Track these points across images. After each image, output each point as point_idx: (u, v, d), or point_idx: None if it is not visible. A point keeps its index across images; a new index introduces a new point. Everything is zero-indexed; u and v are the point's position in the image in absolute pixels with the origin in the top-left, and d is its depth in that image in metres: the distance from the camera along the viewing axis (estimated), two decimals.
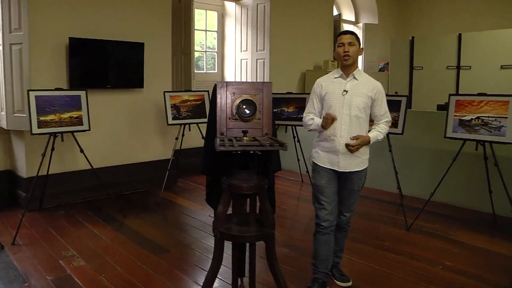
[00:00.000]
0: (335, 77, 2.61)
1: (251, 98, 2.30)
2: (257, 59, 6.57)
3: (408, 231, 3.80)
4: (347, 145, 2.48)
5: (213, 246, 3.48)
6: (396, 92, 6.75)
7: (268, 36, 6.40)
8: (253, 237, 2.28)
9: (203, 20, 6.53)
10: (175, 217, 4.20)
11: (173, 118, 4.74)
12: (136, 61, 4.77)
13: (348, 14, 9.12)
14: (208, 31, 6.65)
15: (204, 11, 6.45)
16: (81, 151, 3.94)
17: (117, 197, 4.65)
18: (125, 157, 4.96)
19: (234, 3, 6.60)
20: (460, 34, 6.54)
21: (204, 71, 6.61)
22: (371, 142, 2.55)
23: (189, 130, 4.92)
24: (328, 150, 2.55)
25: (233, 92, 2.36)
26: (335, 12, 8.60)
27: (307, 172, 4.84)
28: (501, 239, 3.63)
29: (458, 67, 6.57)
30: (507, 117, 3.46)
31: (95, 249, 3.34)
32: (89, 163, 4.04)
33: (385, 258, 3.23)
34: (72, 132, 3.91)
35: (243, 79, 6.66)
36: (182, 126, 4.81)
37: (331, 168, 2.56)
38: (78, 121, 3.94)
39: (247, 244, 2.60)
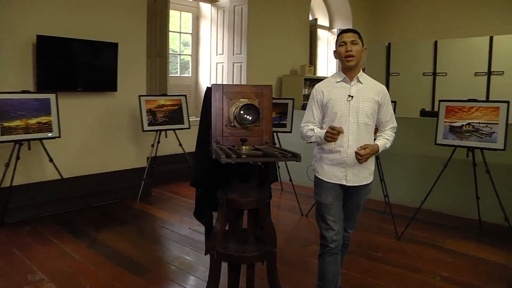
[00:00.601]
0: (337, 81, 2.34)
1: (253, 103, 2.08)
2: (233, 63, 6.34)
3: (399, 241, 3.69)
4: (356, 154, 2.24)
5: (195, 261, 3.28)
6: None
7: (245, 39, 6.19)
8: (255, 257, 2.06)
9: (177, 22, 6.24)
10: (152, 231, 3.89)
11: (149, 124, 4.44)
12: (109, 62, 4.43)
13: (322, 20, 9.07)
14: (182, 33, 6.36)
15: (178, 12, 6.16)
16: (50, 160, 3.57)
17: (89, 209, 4.29)
18: (97, 165, 4.60)
19: (209, 5, 6.35)
20: (436, 41, 6.59)
21: (178, 75, 6.31)
22: (379, 151, 2.32)
23: (166, 137, 4.63)
24: (334, 163, 2.28)
25: (230, 96, 2.13)
26: (311, 17, 8.52)
27: (290, 180, 4.66)
28: (491, 246, 3.59)
29: (434, 74, 6.60)
30: (498, 123, 3.41)
31: (66, 270, 2.98)
32: (59, 172, 3.67)
33: (381, 271, 3.09)
34: (40, 139, 3.54)
35: (219, 83, 6.40)
36: (158, 132, 4.51)
37: (338, 183, 2.30)
38: (47, 127, 3.58)
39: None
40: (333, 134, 2.20)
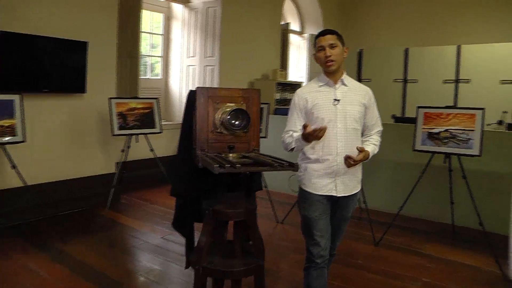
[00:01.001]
0: (320, 85, 2.20)
1: (243, 108, 1.96)
2: (205, 65, 6.19)
3: (377, 247, 3.67)
4: (349, 158, 2.07)
5: (170, 274, 3.10)
6: None
7: (218, 42, 6.06)
8: (243, 272, 1.93)
9: (148, 22, 6.01)
10: (123, 241, 3.68)
11: (120, 128, 4.22)
12: (78, 62, 4.18)
13: (293, 24, 9.06)
14: (153, 34, 6.15)
15: (149, 12, 5.95)
16: (13, 166, 3.30)
17: (55, 219, 4.01)
18: (64, 171, 4.32)
19: (182, 6, 6.17)
20: (407, 49, 6.70)
21: (147, 77, 6.09)
22: (369, 158, 2.17)
23: (137, 142, 4.42)
24: (322, 173, 2.12)
25: (216, 100, 2.00)
26: (283, 22, 8.48)
27: (265, 186, 4.55)
28: (465, 250, 3.64)
29: (405, 80, 6.71)
30: (474, 130, 3.46)
31: None
32: (22, 179, 3.40)
33: (363, 278, 3.04)
34: (3, 144, 3.26)
35: (190, 87, 6.24)
36: (129, 136, 4.30)
37: (327, 194, 2.15)
38: (10, 130, 3.31)
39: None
40: (316, 132, 1.95)
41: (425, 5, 8.03)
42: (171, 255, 3.34)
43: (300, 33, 9.18)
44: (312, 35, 8.83)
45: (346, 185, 2.16)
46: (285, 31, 8.41)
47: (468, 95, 6.24)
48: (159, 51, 6.26)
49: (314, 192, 2.15)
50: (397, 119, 5.17)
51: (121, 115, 4.25)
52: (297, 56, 9.15)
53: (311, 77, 8.71)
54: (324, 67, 2.17)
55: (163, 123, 5.01)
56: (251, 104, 2.04)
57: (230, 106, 2.00)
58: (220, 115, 1.97)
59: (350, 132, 2.14)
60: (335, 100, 2.14)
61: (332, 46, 2.14)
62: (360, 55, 7.20)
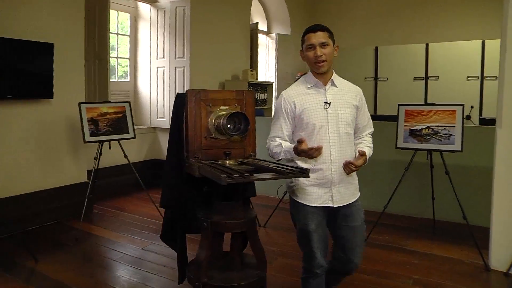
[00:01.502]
0: (309, 87, 2.03)
1: (242, 111, 1.84)
2: (175, 67, 5.99)
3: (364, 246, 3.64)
4: (350, 164, 1.94)
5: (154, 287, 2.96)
6: None
7: (188, 42, 5.87)
8: (246, 286, 1.80)
9: (115, 23, 5.75)
10: (100, 255, 3.45)
11: (91, 135, 3.97)
12: (44, 65, 3.87)
13: (260, 24, 8.98)
14: (120, 34, 5.89)
15: (116, 12, 5.69)
16: None
17: (24, 235, 3.72)
18: (32, 183, 4.01)
19: (149, 5, 5.94)
20: (376, 47, 6.77)
21: (116, 80, 5.83)
22: (366, 162, 2.02)
23: (110, 148, 4.19)
24: (315, 183, 1.96)
25: (209, 103, 1.87)
26: (255, 20, 8.40)
27: None
28: (447, 243, 3.69)
29: (376, 79, 6.79)
30: (455, 126, 3.49)
31: None
32: None
33: (355, 279, 2.98)
34: None
35: (160, 89, 6.03)
36: (101, 143, 4.06)
37: (323, 205, 1.99)
38: None
39: None
40: (310, 151, 1.80)
41: (393, 4, 8.16)
42: (154, 267, 3.16)
43: (268, 33, 9.12)
44: (280, 35, 8.79)
45: (343, 194, 2.02)
46: (254, 31, 8.32)
47: (437, 91, 6.39)
48: (123, 53, 6.00)
49: (308, 204, 1.99)
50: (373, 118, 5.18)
51: (92, 121, 4.01)
52: (265, 56, 9.08)
53: (280, 77, 8.66)
54: (314, 67, 2.01)
55: (136, 127, 4.79)
56: (245, 106, 1.92)
57: (224, 109, 1.88)
58: (214, 120, 1.85)
59: (343, 137, 1.99)
60: (326, 103, 1.98)
61: (323, 45, 1.97)
62: None
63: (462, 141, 3.45)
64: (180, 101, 1.96)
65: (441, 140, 3.53)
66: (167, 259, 3.28)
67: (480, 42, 6.16)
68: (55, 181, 4.21)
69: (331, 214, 2.04)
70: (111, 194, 5.05)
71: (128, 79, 6.06)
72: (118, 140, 4.18)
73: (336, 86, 2.04)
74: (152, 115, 6.06)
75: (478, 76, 6.19)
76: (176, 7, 5.85)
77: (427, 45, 6.46)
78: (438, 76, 6.40)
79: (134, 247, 3.56)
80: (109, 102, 4.33)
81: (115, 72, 5.85)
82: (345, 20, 8.91)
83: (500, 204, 3.21)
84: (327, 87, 2.02)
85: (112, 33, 5.62)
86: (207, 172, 1.54)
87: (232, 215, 1.78)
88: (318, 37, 1.97)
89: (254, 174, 1.50)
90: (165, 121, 5.95)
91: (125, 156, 4.15)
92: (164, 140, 6.08)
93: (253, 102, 1.96)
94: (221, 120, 1.76)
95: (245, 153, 1.91)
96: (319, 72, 2.00)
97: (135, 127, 5.26)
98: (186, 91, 1.88)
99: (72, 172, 4.38)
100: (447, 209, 4.13)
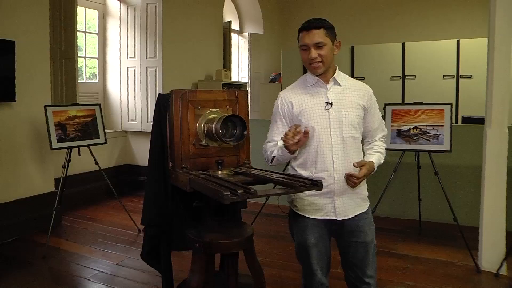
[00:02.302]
0: (308, 86, 1.85)
1: (229, 113, 1.63)
2: (147, 67, 5.70)
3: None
4: (350, 177, 1.73)
5: None
6: None
7: (160, 41, 5.59)
8: None
9: (82, 20, 5.39)
10: (70, 273, 3.13)
11: (59, 140, 3.64)
12: (5, 65, 3.51)
13: (233, 23, 8.76)
14: (88, 33, 5.54)
15: (83, 8, 5.33)
16: None
17: None
18: None
19: (118, 2, 5.62)
20: (353, 46, 6.69)
21: (84, 81, 5.47)
22: (374, 170, 1.83)
23: (79, 155, 3.86)
24: (317, 194, 1.74)
25: (197, 105, 1.65)
26: (226, 19, 8.16)
27: None
28: (435, 245, 3.62)
29: (353, 78, 6.71)
30: (443, 125, 3.41)
31: None
32: None
33: None
34: None
35: (131, 90, 5.71)
36: (69, 150, 3.74)
37: (325, 218, 1.79)
38: None
39: None
40: (291, 135, 1.60)
41: (368, 3, 8.12)
42: (132, 285, 2.89)
43: (240, 32, 8.91)
44: (253, 34, 8.60)
45: (348, 205, 1.80)
46: (227, 29, 8.10)
47: (414, 90, 6.35)
48: (91, 52, 5.65)
49: (308, 216, 1.80)
50: None
51: (60, 126, 3.67)
52: (238, 56, 8.86)
53: (253, 77, 8.47)
54: (310, 69, 1.83)
55: (107, 131, 4.47)
56: (238, 108, 1.71)
57: (215, 112, 1.66)
58: (203, 124, 1.63)
59: (348, 142, 1.78)
60: (327, 103, 1.78)
61: (318, 46, 1.75)
62: None
63: (451, 141, 3.37)
64: (163, 103, 1.72)
65: (429, 140, 3.43)
66: (146, 275, 3.01)
67: (455, 41, 6.17)
68: (18, 192, 3.83)
69: (336, 228, 1.84)
70: (81, 203, 4.71)
71: (96, 80, 5.71)
72: (88, 146, 3.87)
73: (340, 85, 1.84)
74: (123, 118, 5.74)
75: (454, 75, 6.19)
76: (147, 4, 5.56)
77: (403, 44, 6.42)
78: (415, 75, 6.37)
79: (109, 263, 3.27)
80: (78, 104, 4.00)
81: (83, 73, 5.50)
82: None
83: (490, 204, 3.14)
84: (329, 85, 1.83)
85: (79, 31, 5.27)
86: (203, 188, 1.31)
87: (227, 233, 1.56)
88: (312, 37, 1.75)
89: (262, 189, 1.29)
90: (137, 124, 5.65)
91: (96, 163, 3.85)
92: (136, 144, 5.79)
93: (246, 103, 1.74)
94: (213, 125, 1.54)
95: (239, 161, 1.70)
96: (315, 73, 1.81)
97: (106, 130, 4.95)
98: (171, 91, 1.66)
99: (38, 182, 4.02)
100: (432, 210, 4.07)
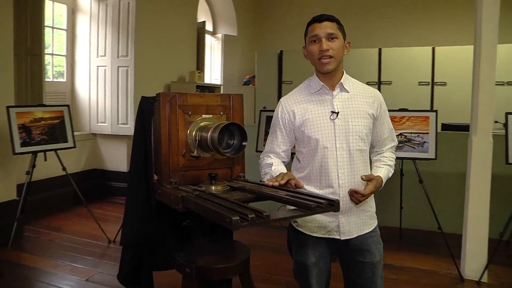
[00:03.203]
0: (312, 92, 1.67)
1: (223, 120, 1.46)
2: (118, 66, 5.42)
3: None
4: (355, 193, 1.57)
5: None
6: (264, 107, 6.47)
7: (133, 39, 5.32)
8: None
9: (50, 15, 5.05)
10: None
11: (23, 144, 3.33)
12: None
13: (206, 24, 8.55)
14: (56, 28, 5.20)
15: (51, 2, 4.99)
16: None
17: None
18: None
19: None
20: None
21: (51, 80, 5.13)
22: (383, 185, 1.68)
23: (45, 160, 3.57)
24: None
25: (188, 110, 1.47)
26: (200, 20, 7.94)
27: None
28: (417, 253, 3.58)
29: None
30: (428, 133, 3.36)
31: None
32: None
33: None
34: None
35: (101, 91, 5.41)
36: (35, 154, 3.44)
37: (328, 237, 1.65)
38: None
39: None
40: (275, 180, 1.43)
41: (344, 8, 8.11)
42: None
43: (213, 33, 8.71)
44: (226, 35, 8.42)
45: (353, 224, 1.66)
46: (201, 30, 7.88)
47: (390, 96, 6.34)
48: (59, 49, 5.32)
49: (309, 233, 1.66)
50: None
51: (24, 128, 3.36)
52: (210, 58, 8.64)
53: (226, 80, 8.29)
54: (318, 66, 1.63)
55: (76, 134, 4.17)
56: (233, 114, 1.55)
57: (207, 118, 1.49)
58: (195, 132, 1.45)
59: (355, 156, 1.62)
60: (333, 113, 1.62)
61: (330, 37, 1.60)
62: (280, 56, 7.00)
63: (436, 149, 3.33)
64: (147, 107, 1.53)
65: (414, 148, 3.37)
66: None
67: (430, 48, 6.23)
68: None
69: (339, 246, 1.69)
70: (46, 211, 4.38)
71: (64, 79, 5.37)
72: (55, 150, 3.58)
73: (347, 91, 1.67)
74: (92, 119, 5.43)
75: (429, 82, 6.26)
76: (119, 0, 5.29)
77: (379, 49, 6.43)
78: (391, 81, 6.39)
79: (77, 279, 3.00)
80: (44, 105, 3.69)
81: (51, 72, 5.16)
82: (293, 22, 8.74)
83: (474, 212, 3.12)
84: (335, 92, 1.66)
85: (46, 26, 4.93)
86: (203, 210, 1.13)
87: (221, 255, 1.39)
88: (325, 27, 1.61)
89: (275, 212, 1.12)
90: (107, 126, 5.36)
91: (64, 168, 3.57)
92: (105, 148, 5.49)
93: (241, 109, 1.57)
94: (209, 133, 1.37)
95: (233, 174, 1.53)
96: (325, 70, 1.62)
97: (77, 133, 4.66)
98: (158, 94, 1.47)
99: None
100: (413, 217, 4.04)
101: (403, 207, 3.84)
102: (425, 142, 3.35)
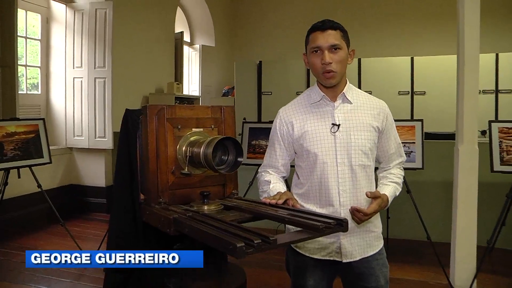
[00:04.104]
0: (312, 103, 1.57)
1: (215, 134, 1.37)
2: (95, 78, 5.26)
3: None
4: (357, 213, 1.45)
5: None
6: (244, 118, 6.39)
7: (110, 50, 5.18)
8: None
9: (23, 24, 4.86)
10: None
11: None
12: None
13: (184, 35, 8.45)
14: (29, 38, 5.01)
15: (24, 11, 4.80)
16: None
17: None
18: None
19: (64, 5, 5.15)
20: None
21: (24, 92, 4.93)
22: (388, 205, 1.56)
23: (19, 177, 3.38)
24: None
25: (177, 124, 1.38)
26: (177, 30, 7.84)
27: None
28: (404, 264, 3.54)
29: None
30: (414, 142, 3.36)
31: None
32: None
33: None
34: None
35: (77, 103, 5.23)
36: (7, 171, 3.26)
37: (328, 259, 1.54)
38: None
39: None
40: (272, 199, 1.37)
41: (324, 16, 8.14)
42: None
43: (191, 44, 8.62)
44: (204, 46, 8.34)
45: (356, 245, 1.54)
46: (179, 40, 7.78)
47: None
48: (33, 60, 5.13)
49: (308, 255, 1.55)
50: None
51: None
52: (188, 69, 8.52)
53: (204, 91, 8.20)
54: (321, 79, 1.54)
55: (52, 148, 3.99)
56: (224, 127, 1.45)
57: (198, 132, 1.39)
58: (185, 147, 1.35)
59: (358, 172, 1.51)
60: (334, 125, 1.52)
61: (334, 49, 1.49)
62: (259, 67, 6.96)
63: (422, 158, 3.32)
64: (133, 120, 1.43)
65: None
66: None
67: (409, 58, 6.31)
68: None
69: (341, 268, 1.58)
70: (19, 231, 4.15)
71: (39, 92, 5.17)
72: (29, 166, 3.40)
73: (350, 103, 1.57)
74: (68, 133, 5.23)
75: (408, 91, 6.32)
76: (96, 9, 5.14)
77: (359, 59, 6.47)
78: (371, 91, 6.41)
79: None
80: (18, 119, 3.51)
81: (25, 84, 4.95)
82: (272, 32, 8.73)
83: (462, 221, 3.11)
84: (336, 103, 1.56)
85: (19, 36, 4.73)
86: (201, 235, 1.02)
87: (216, 281, 1.28)
88: (328, 37, 1.49)
89: (281, 236, 1.01)
90: (84, 140, 5.17)
91: (39, 185, 3.39)
92: (83, 162, 5.29)
93: (233, 121, 1.48)
94: (202, 149, 1.27)
95: (226, 191, 1.43)
96: (327, 85, 1.54)
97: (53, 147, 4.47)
98: (145, 107, 1.37)
99: None
100: (400, 227, 4.01)
101: (390, 217, 3.80)
102: (412, 151, 3.34)
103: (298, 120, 1.57)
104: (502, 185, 3.52)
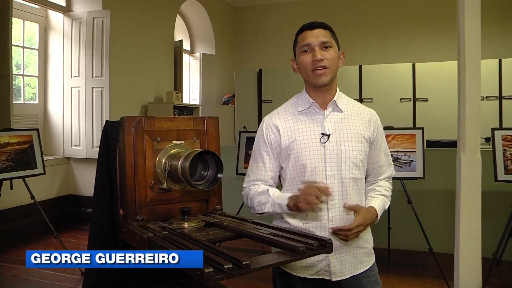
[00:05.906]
0: (300, 110, 1.49)
1: (197, 148, 1.29)
2: (92, 87, 5.22)
3: None
4: (340, 232, 1.36)
5: None
6: (244, 127, 6.31)
7: (107, 59, 5.14)
8: None
9: (20, 34, 4.84)
10: None
11: None
12: None
13: (184, 43, 8.42)
14: (27, 48, 4.99)
15: (21, 20, 4.79)
16: None
17: None
18: None
19: (62, 15, 5.13)
20: None
21: (22, 102, 4.89)
22: (377, 219, 1.48)
23: (11, 189, 3.32)
24: None
25: (156, 136, 1.30)
26: (177, 38, 7.81)
27: None
28: (404, 276, 3.46)
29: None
30: (415, 151, 3.26)
31: None
32: None
33: None
34: None
35: (75, 113, 5.19)
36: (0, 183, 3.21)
37: (316, 277, 1.45)
38: None
39: None
40: (311, 197, 1.25)
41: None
42: None
43: (191, 52, 8.59)
44: (204, 54, 8.31)
45: (346, 263, 1.46)
46: (178, 49, 7.75)
47: None
48: (31, 70, 5.10)
49: (295, 274, 1.46)
50: None
51: None
52: (188, 77, 8.49)
53: (205, 100, 8.15)
54: (312, 78, 1.44)
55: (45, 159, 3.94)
56: (207, 140, 1.38)
57: (178, 145, 1.32)
58: (164, 161, 1.28)
59: (348, 185, 1.43)
60: (324, 135, 1.43)
61: (324, 46, 1.43)
62: (260, 75, 6.91)
63: (423, 167, 3.22)
64: (112, 133, 1.36)
65: (401, 167, 3.26)
66: None
67: (411, 65, 6.23)
68: None
69: (331, 287, 1.48)
70: (12, 243, 4.07)
71: (36, 101, 5.14)
72: (22, 177, 3.34)
73: (341, 111, 1.48)
74: (66, 143, 5.18)
75: (410, 98, 6.23)
76: (93, 18, 5.12)
77: (360, 67, 6.40)
78: (372, 98, 6.34)
79: None
80: (11, 129, 3.46)
81: (22, 94, 4.92)
82: (272, 40, 8.69)
83: (466, 231, 2.99)
84: (326, 111, 1.47)
85: (16, 45, 4.71)
86: (185, 261, 0.95)
87: None
88: (318, 35, 1.44)
89: (257, 259, 0.93)
90: (81, 150, 5.12)
91: (32, 197, 3.33)
92: (80, 173, 5.24)
93: (217, 134, 1.41)
94: (179, 162, 1.19)
95: (209, 207, 1.36)
96: (320, 83, 1.44)
97: (46, 157, 4.41)
98: (122, 118, 1.30)
99: None
100: (402, 238, 3.92)
101: (391, 228, 3.71)
102: (412, 160, 3.25)
103: (286, 128, 1.47)
104: (507, 195, 3.42)
